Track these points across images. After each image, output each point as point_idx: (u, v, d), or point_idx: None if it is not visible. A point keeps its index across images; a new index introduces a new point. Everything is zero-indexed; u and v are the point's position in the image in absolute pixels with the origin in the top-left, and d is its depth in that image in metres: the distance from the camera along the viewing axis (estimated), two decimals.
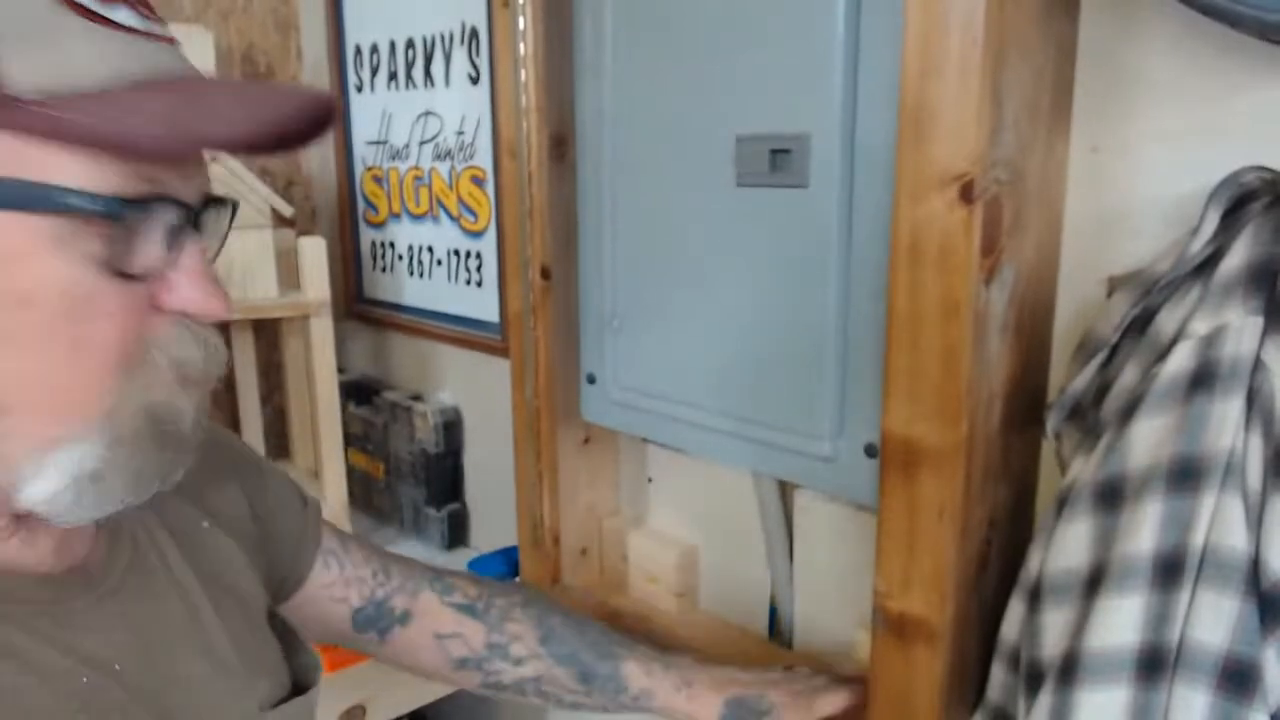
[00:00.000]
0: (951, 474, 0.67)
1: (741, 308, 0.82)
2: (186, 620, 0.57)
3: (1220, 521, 0.55)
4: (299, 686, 0.64)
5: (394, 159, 1.44)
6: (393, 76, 1.42)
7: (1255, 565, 0.54)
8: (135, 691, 0.51)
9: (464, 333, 1.36)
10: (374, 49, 1.44)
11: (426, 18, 1.33)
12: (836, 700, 0.77)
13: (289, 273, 1.31)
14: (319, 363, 1.31)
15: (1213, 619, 0.54)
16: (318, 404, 1.34)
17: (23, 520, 0.49)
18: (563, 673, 0.79)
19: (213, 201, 0.51)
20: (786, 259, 0.78)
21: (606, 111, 0.90)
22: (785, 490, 0.95)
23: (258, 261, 1.28)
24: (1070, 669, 0.59)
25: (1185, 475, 0.56)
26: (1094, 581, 0.60)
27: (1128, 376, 0.62)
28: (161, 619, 0.56)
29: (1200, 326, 0.57)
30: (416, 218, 1.42)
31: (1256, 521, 0.54)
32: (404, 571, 0.80)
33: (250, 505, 0.69)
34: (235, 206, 0.54)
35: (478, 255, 1.32)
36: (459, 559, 1.33)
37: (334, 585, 0.76)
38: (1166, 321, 0.60)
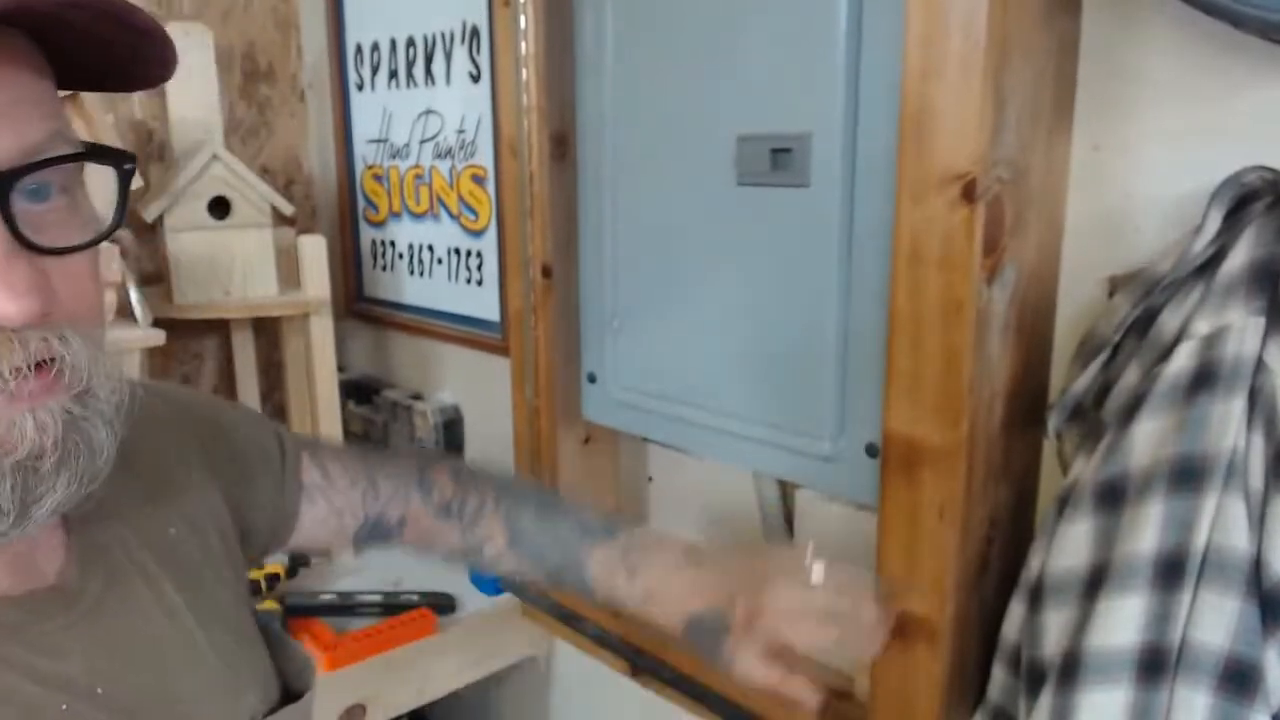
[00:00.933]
0: (952, 474, 0.67)
1: (742, 307, 0.82)
2: (170, 634, 0.54)
3: (1222, 522, 0.55)
4: (290, 693, 0.62)
5: (394, 157, 1.44)
6: (393, 75, 1.41)
7: (1257, 565, 0.54)
8: (120, 715, 0.49)
9: (464, 332, 1.36)
10: (374, 47, 1.44)
11: (427, 16, 1.33)
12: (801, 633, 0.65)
13: (289, 271, 1.31)
14: (319, 361, 1.31)
15: (1214, 619, 0.54)
16: (318, 403, 1.34)
17: None
18: (532, 571, 0.78)
19: (48, 163, 0.41)
20: (787, 259, 0.78)
21: (607, 111, 0.90)
22: (785, 490, 0.94)
23: (258, 260, 1.28)
24: (1071, 669, 0.59)
25: (1187, 475, 0.56)
26: (1095, 581, 0.60)
27: (1129, 377, 0.62)
28: (144, 636, 0.52)
29: (1202, 327, 0.57)
30: (417, 216, 1.42)
31: (1258, 522, 0.54)
32: (392, 482, 0.76)
33: (220, 477, 0.64)
34: (120, 163, 0.44)
35: (478, 254, 1.32)
36: None
37: (326, 517, 0.73)
38: (1168, 322, 0.60)
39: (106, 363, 0.45)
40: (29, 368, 0.40)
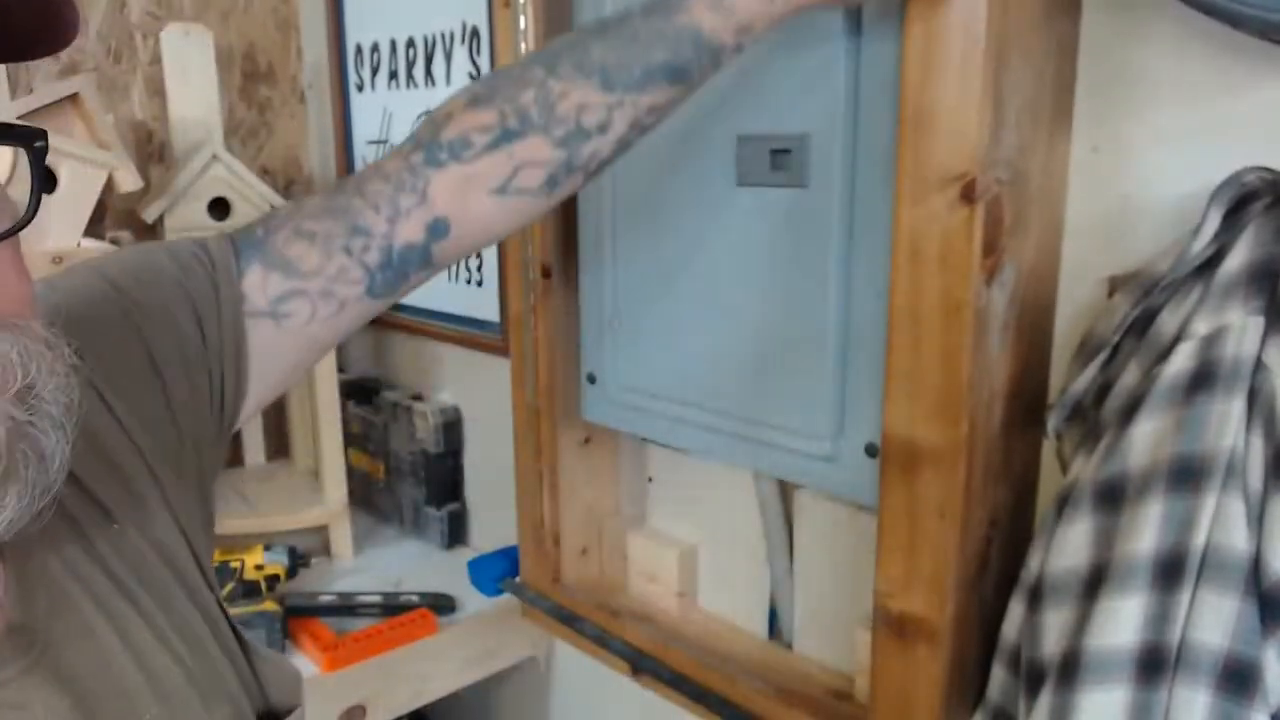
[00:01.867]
0: (952, 474, 0.67)
1: (742, 307, 0.82)
2: (128, 658, 0.48)
3: (1221, 521, 0.55)
4: (274, 710, 0.55)
5: None
6: (393, 76, 1.41)
7: (1256, 565, 0.54)
8: None
9: (464, 332, 1.36)
10: (374, 48, 1.44)
11: (427, 17, 1.33)
12: None
13: None
14: (319, 362, 1.31)
15: (1213, 619, 0.54)
16: (318, 404, 1.34)
17: None
18: (657, 92, 0.59)
19: None
20: (787, 259, 0.78)
21: None
22: (785, 490, 0.94)
23: None
24: (1071, 669, 0.59)
25: (1186, 475, 0.56)
26: (1094, 581, 0.60)
27: (1129, 377, 0.62)
28: (101, 666, 0.46)
29: (1201, 327, 0.58)
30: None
31: (1257, 521, 0.54)
32: (383, 186, 0.58)
33: (158, 411, 0.53)
34: (33, 142, 0.39)
35: (478, 254, 1.32)
36: (459, 558, 1.33)
37: (307, 325, 0.57)
38: (1167, 322, 0.60)
39: (48, 357, 0.39)
40: None
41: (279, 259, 0.56)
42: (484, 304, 1.32)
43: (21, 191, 0.40)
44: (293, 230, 0.57)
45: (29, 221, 0.39)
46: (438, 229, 0.58)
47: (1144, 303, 0.62)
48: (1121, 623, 0.57)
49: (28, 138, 0.39)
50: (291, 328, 0.57)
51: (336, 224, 0.57)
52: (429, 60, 1.34)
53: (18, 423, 0.37)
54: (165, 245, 0.57)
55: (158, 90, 1.40)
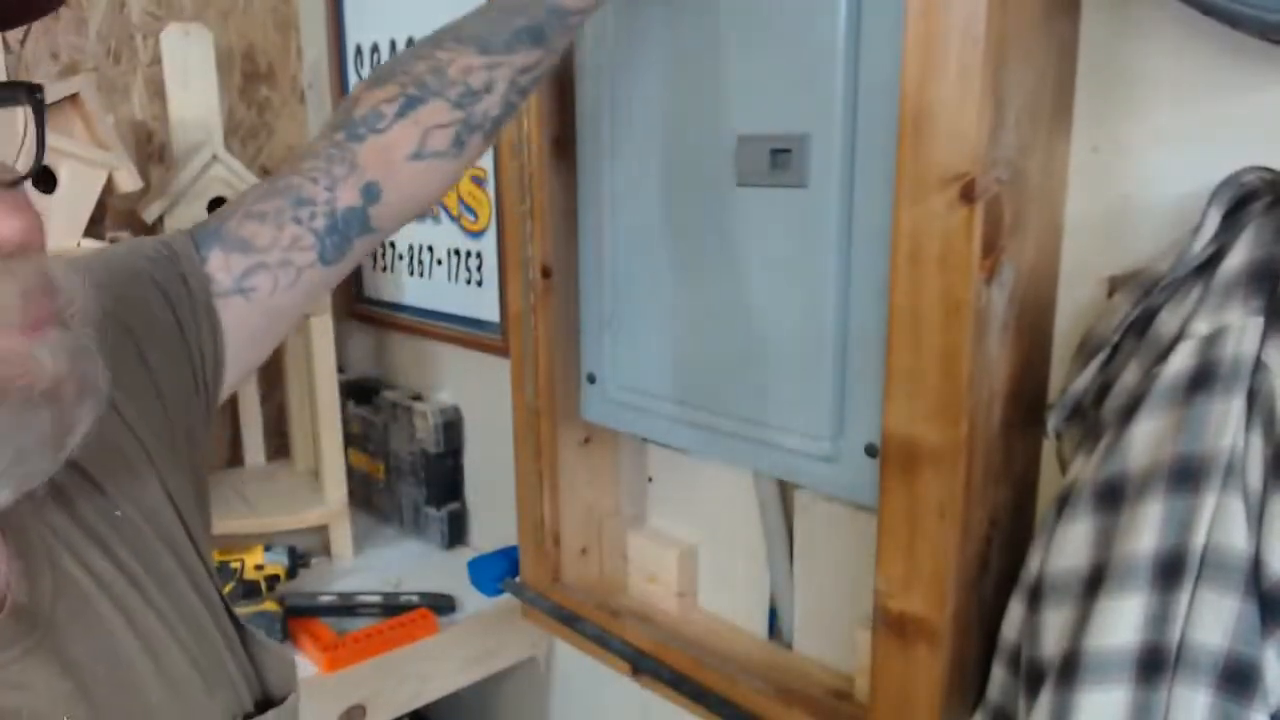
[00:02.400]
0: (952, 474, 0.67)
1: (741, 308, 0.82)
2: (132, 641, 0.49)
3: (1221, 521, 0.55)
4: (270, 696, 0.56)
5: None
6: None
7: (1256, 565, 0.54)
8: None
9: (464, 332, 1.36)
10: (374, 48, 1.44)
11: (427, 17, 1.32)
12: None
13: None
14: (319, 362, 1.31)
15: (1213, 619, 0.54)
16: (318, 404, 1.34)
17: None
18: (525, 53, 0.67)
19: None
20: (786, 259, 0.78)
21: (607, 111, 0.90)
22: (785, 490, 0.94)
23: None
24: (1070, 669, 0.59)
25: (1186, 475, 0.56)
26: (1094, 581, 0.60)
27: (1129, 376, 0.62)
28: (105, 649, 0.47)
29: (1201, 327, 0.58)
30: (417, 217, 1.42)
31: (1257, 521, 0.54)
32: (317, 161, 0.63)
33: (149, 404, 0.55)
34: (31, 96, 0.41)
35: (478, 255, 1.32)
36: (459, 558, 1.33)
37: (271, 296, 0.60)
38: (1167, 322, 0.60)
39: (82, 287, 0.42)
40: (27, 295, 0.38)
41: (236, 240, 0.60)
42: (484, 304, 1.32)
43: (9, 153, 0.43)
44: (243, 214, 0.61)
45: (39, 165, 0.41)
46: (371, 192, 0.63)
47: (1144, 302, 0.62)
48: (1121, 623, 0.57)
49: (28, 91, 0.42)
50: (258, 300, 0.60)
51: (282, 200, 0.61)
52: None
53: (78, 343, 0.40)
54: (129, 245, 0.60)
55: (158, 90, 1.40)
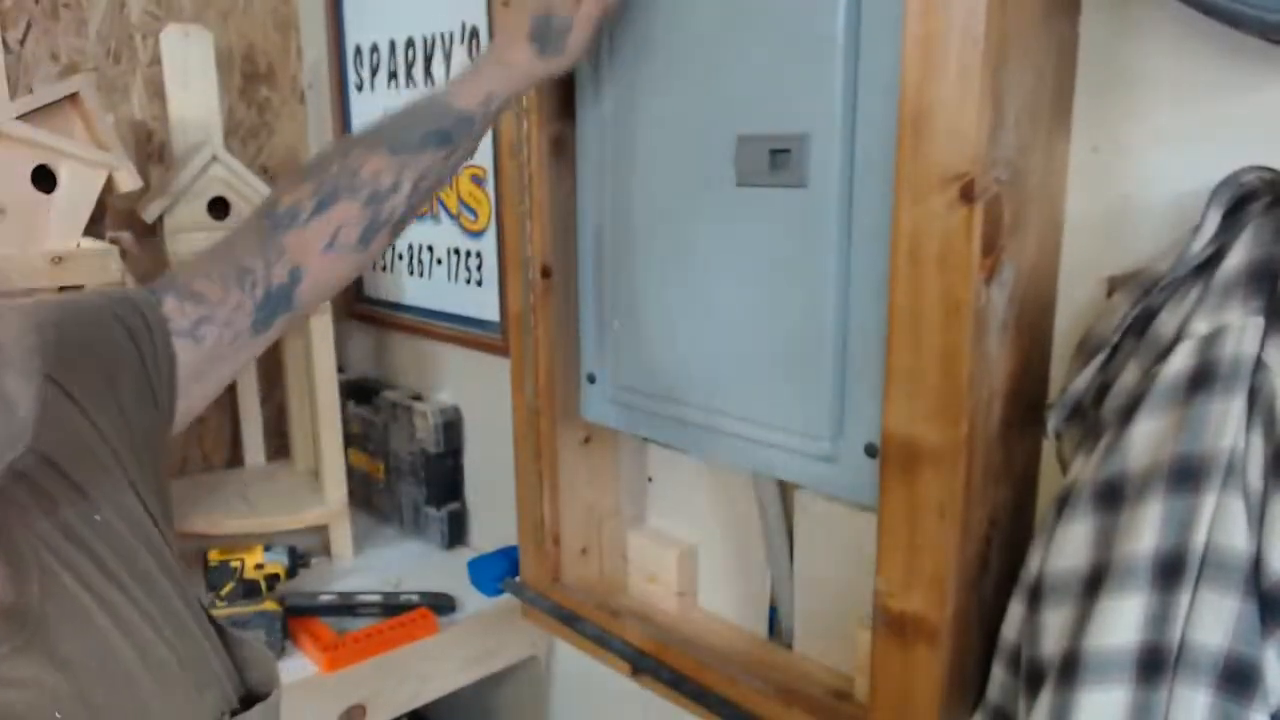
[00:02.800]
0: (952, 474, 0.67)
1: (741, 308, 0.82)
2: (121, 639, 0.50)
3: (1221, 521, 0.55)
4: (252, 693, 0.58)
5: None
6: (393, 76, 1.42)
7: (1256, 565, 0.54)
8: None
9: (464, 332, 1.36)
10: (374, 48, 1.44)
11: (426, 17, 1.33)
12: None
13: None
14: (319, 362, 1.31)
15: (1213, 619, 0.54)
16: (318, 404, 1.34)
17: None
18: (432, 153, 0.76)
19: None
20: (786, 259, 0.78)
21: (606, 111, 0.90)
22: (785, 490, 0.94)
23: None
24: (1070, 669, 0.59)
25: (1186, 475, 0.56)
26: (1094, 581, 0.60)
27: (1128, 376, 0.62)
28: (95, 647, 0.48)
29: (1201, 326, 0.58)
30: (417, 217, 1.42)
31: (1257, 521, 0.54)
32: (251, 238, 0.71)
33: (116, 425, 0.59)
34: None
35: (478, 254, 1.32)
36: (459, 558, 1.33)
37: (217, 346, 0.67)
38: (1167, 321, 0.60)
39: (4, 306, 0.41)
40: None
41: (189, 292, 0.67)
42: (484, 304, 1.32)
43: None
44: (196, 274, 0.69)
45: None
46: (295, 275, 0.71)
47: (1144, 302, 0.62)
48: (1121, 623, 0.57)
49: None
50: (207, 348, 0.67)
51: (229, 267, 0.69)
52: (428, 60, 1.34)
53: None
54: (94, 290, 0.68)
55: (158, 90, 1.40)
